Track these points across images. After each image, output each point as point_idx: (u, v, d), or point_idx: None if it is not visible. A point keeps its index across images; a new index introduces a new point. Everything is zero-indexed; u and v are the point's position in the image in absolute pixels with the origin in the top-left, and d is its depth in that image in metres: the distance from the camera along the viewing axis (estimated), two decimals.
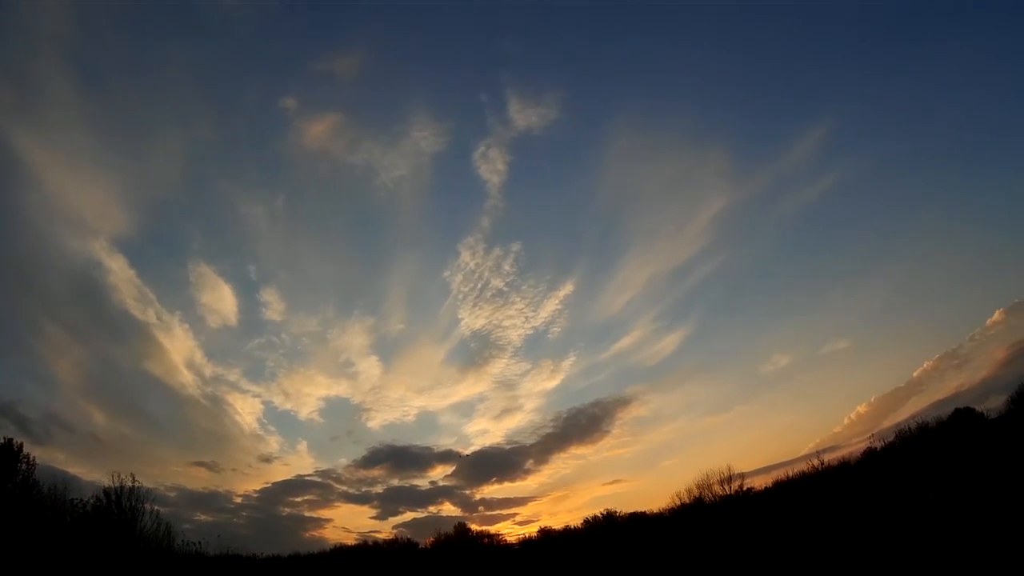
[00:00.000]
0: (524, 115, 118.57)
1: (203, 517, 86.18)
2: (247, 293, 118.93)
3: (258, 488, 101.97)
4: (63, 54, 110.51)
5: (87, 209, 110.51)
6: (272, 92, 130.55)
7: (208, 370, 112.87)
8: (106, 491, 40.28)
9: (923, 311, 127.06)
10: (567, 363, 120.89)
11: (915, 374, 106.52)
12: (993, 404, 59.45)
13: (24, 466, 39.59)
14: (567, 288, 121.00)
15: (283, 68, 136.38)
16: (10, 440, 40.21)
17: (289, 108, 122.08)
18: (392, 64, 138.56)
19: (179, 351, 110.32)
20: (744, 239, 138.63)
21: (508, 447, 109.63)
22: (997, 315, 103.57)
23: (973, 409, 59.24)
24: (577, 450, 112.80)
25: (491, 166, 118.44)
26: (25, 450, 40.23)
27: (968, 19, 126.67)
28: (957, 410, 59.63)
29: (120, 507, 40.25)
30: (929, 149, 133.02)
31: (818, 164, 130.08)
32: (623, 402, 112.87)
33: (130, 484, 40.67)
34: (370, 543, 78.71)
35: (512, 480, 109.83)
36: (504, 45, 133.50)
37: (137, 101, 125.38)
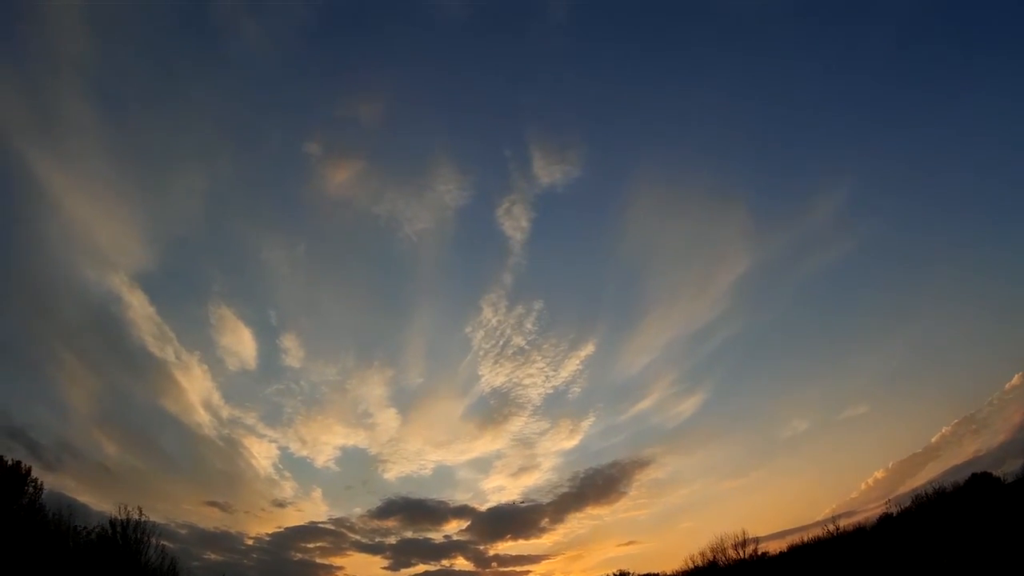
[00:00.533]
0: (548, 171, 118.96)
1: (213, 556, 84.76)
2: (266, 338, 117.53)
3: (270, 532, 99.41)
4: (87, 82, 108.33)
5: (106, 241, 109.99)
6: (296, 134, 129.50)
7: (225, 412, 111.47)
8: (112, 521, 40.34)
9: (941, 374, 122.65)
10: (586, 423, 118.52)
11: (933, 439, 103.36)
12: (1011, 468, 58.14)
13: (31, 489, 40.01)
14: (588, 348, 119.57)
15: (307, 110, 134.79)
16: (18, 463, 40.71)
17: (312, 153, 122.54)
18: (417, 113, 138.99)
19: (196, 391, 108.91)
20: (764, 301, 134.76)
21: (524, 505, 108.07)
22: (1016, 379, 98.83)
23: (990, 474, 57.59)
24: (593, 510, 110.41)
25: (515, 223, 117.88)
26: (34, 475, 40.78)
27: (993, 68, 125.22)
28: (974, 475, 58.02)
29: (125, 538, 40.14)
30: (948, 203, 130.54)
31: (842, 222, 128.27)
32: (641, 464, 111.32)
33: (136, 517, 40.72)
34: None
35: (527, 538, 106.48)
36: (527, 98, 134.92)
37: (159, 134, 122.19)
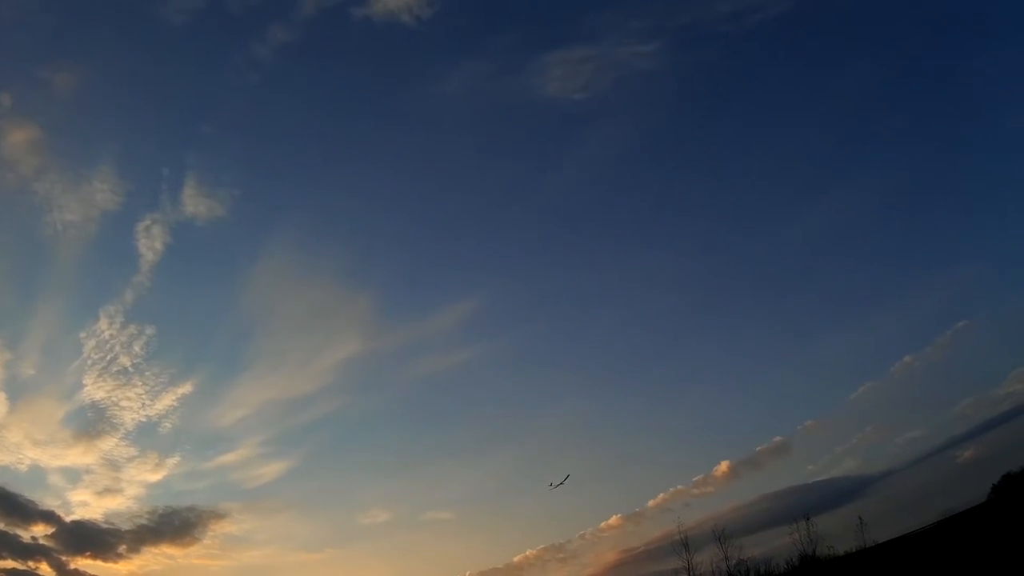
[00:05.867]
0: (195, 202, 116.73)
1: None
2: None
3: None
4: None
5: None
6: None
7: None
8: None
9: (535, 502, 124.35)
10: (172, 461, 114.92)
11: (516, 559, 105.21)
12: None
13: None
14: (186, 387, 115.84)
15: (16, 58, 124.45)
16: None
17: (2, 104, 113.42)
18: (104, 102, 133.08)
19: None
20: (371, 389, 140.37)
21: (105, 526, 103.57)
22: (614, 520, 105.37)
23: None
24: (168, 549, 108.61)
25: (150, 242, 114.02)
26: None
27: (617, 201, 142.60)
28: None
29: None
30: (574, 337, 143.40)
31: (462, 335, 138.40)
32: (217, 515, 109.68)
33: None
34: None
35: (104, 560, 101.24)
36: (204, 126, 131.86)
37: None
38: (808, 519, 51.88)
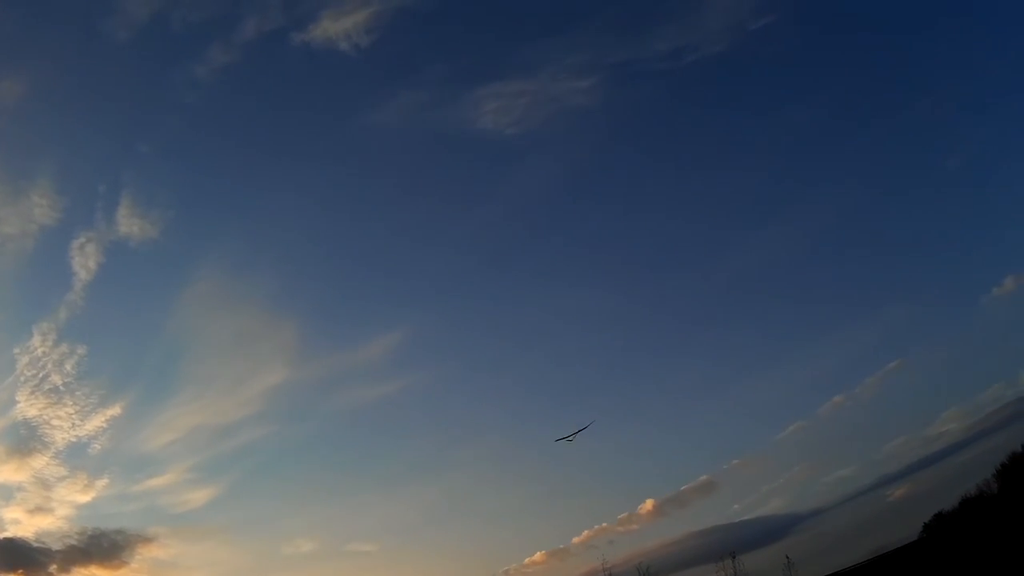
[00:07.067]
0: (129, 221, 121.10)
1: None
2: None
3: None
4: None
5: None
6: None
7: None
8: None
9: (461, 535, 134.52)
10: (101, 483, 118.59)
11: None
12: None
13: None
14: (115, 409, 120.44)
15: None
16: None
17: None
18: (46, 114, 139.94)
19: None
20: (296, 418, 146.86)
21: (36, 545, 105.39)
22: (539, 556, 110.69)
23: None
24: (97, 571, 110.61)
25: (84, 261, 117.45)
26: None
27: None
28: None
29: None
30: (500, 371, 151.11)
31: (387, 366, 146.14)
32: (145, 539, 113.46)
33: None
34: None
35: None
36: (144, 144, 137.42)
37: None
38: (734, 557, 55.71)
